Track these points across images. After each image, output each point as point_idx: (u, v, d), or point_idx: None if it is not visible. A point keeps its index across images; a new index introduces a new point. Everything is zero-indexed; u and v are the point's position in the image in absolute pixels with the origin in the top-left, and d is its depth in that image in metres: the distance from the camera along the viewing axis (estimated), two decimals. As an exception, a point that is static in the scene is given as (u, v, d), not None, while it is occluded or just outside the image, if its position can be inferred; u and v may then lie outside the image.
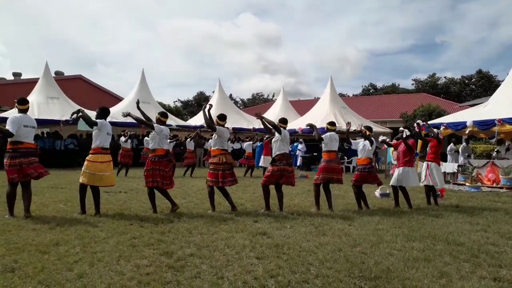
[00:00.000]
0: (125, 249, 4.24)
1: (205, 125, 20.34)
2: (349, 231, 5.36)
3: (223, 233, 5.10)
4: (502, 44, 79.51)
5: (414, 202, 7.93)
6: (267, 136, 13.71)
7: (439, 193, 8.60)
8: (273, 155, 6.88)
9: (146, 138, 12.99)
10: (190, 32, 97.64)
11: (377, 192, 9.15)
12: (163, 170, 6.34)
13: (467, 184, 11.52)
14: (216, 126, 6.70)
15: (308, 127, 7.61)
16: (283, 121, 7.07)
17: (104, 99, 28.75)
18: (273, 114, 23.71)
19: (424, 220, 6.28)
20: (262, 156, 14.19)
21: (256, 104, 52.14)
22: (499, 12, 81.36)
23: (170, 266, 3.72)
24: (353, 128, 7.93)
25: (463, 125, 12.75)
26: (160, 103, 29.74)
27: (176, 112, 36.99)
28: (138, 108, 6.78)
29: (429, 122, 14.52)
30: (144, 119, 6.60)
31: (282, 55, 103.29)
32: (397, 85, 52.78)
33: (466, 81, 47.75)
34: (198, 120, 23.00)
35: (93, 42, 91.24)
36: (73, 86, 28.49)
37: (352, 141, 7.63)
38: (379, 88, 53.39)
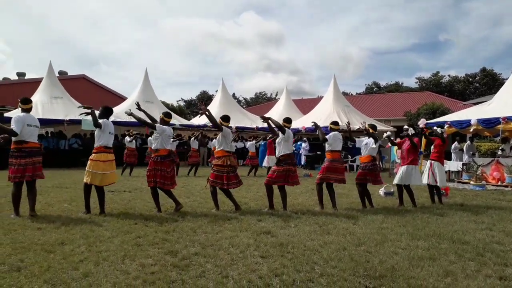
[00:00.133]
0: (130, 248, 4.25)
1: (208, 125, 20.39)
2: (353, 230, 5.36)
3: (227, 232, 5.11)
4: (506, 42, 79.07)
5: (419, 200, 7.91)
6: (270, 135, 13.71)
7: (443, 191, 8.57)
8: (278, 155, 6.87)
9: (149, 138, 13.03)
10: (192, 31, 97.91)
11: (381, 191, 9.13)
12: (164, 171, 6.36)
13: (471, 182, 11.46)
14: (222, 127, 6.71)
15: (313, 125, 7.58)
16: (288, 120, 7.05)
17: (107, 99, 28.83)
18: (276, 113, 23.71)
19: (429, 218, 6.26)
20: (266, 156, 14.19)
21: (259, 103, 52.11)
22: (502, 10, 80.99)
23: (175, 265, 3.73)
24: (356, 126, 7.91)
25: (467, 123, 12.70)
26: (164, 103, 29.78)
27: (180, 112, 37.05)
28: (140, 109, 6.75)
29: (433, 121, 14.50)
30: (146, 120, 6.58)
31: (284, 54, 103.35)
32: (400, 83, 52.65)
33: (470, 79, 47.55)
34: (201, 119, 23.00)
35: (96, 41, 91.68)
36: (77, 85, 28.61)
37: (356, 139, 7.62)
38: (382, 86, 53.25)
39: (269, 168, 11.58)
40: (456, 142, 16.01)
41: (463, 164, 13.20)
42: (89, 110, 6.17)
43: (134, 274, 3.47)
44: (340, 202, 7.28)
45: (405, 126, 8.18)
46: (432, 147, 8.30)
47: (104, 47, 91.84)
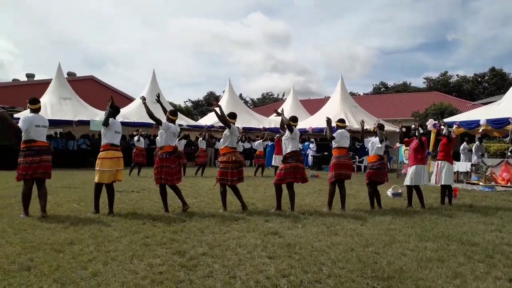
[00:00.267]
0: (138, 248, 4.28)
1: (215, 125, 20.42)
2: (361, 231, 5.34)
3: (234, 232, 5.12)
4: (515, 42, 78.17)
5: (427, 201, 7.85)
6: (278, 135, 13.71)
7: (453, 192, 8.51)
8: (284, 153, 6.89)
9: (157, 138, 13.08)
10: (199, 31, 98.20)
11: (389, 192, 9.09)
12: (169, 167, 6.41)
13: (480, 183, 11.36)
14: (233, 127, 6.76)
15: (327, 120, 7.52)
16: (294, 119, 7.07)
17: (115, 99, 28.83)
18: (284, 112, 23.67)
19: (437, 220, 6.22)
20: (274, 156, 14.18)
21: (266, 103, 52.13)
22: (511, 9, 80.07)
23: (183, 265, 3.74)
24: (367, 126, 7.88)
25: (476, 123, 12.57)
26: (171, 103, 29.93)
27: (187, 112, 37.17)
28: (158, 101, 6.81)
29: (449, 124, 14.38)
30: (153, 114, 6.55)
31: (291, 54, 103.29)
32: (408, 83, 52.36)
33: (479, 79, 47.13)
34: (208, 119, 23.06)
35: (103, 42, 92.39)
36: (85, 86, 28.84)
37: (364, 139, 7.61)
38: (390, 86, 53.00)
39: (277, 167, 11.56)
40: (465, 143, 15.87)
41: (472, 165, 13.09)
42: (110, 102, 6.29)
43: (142, 274, 3.49)
44: (348, 203, 7.26)
45: (413, 126, 8.13)
46: (438, 147, 8.26)
47: (112, 48, 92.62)
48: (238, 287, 3.26)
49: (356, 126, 17.57)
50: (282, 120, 7.02)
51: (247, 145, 20.70)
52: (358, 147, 18.37)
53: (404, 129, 8.28)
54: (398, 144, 14.86)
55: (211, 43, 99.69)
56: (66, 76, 22.59)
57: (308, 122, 20.48)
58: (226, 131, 6.77)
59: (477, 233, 5.32)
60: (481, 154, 14.77)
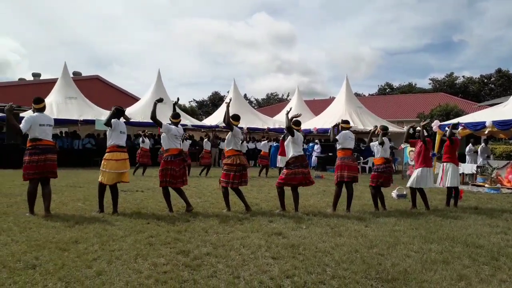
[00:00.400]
0: (143, 248, 4.29)
1: (220, 125, 20.41)
2: (365, 232, 5.32)
3: (238, 232, 5.12)
4: (522, 43, 77.67)
5: (432, 203, 7.82)
6: (282, 136, 13.70)
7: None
8: (287, 158, 6.89)
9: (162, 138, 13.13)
10: (204, 31, 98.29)
11: (394, 193, 9.05)
12: (173, 170, 6.41)
13: (486, 185, 11.29)
14: (236, 129, 6.76)
15: (338, 123, 7.53)
16: (296, 123, 7.05)
17: (120, 99, 29.16)
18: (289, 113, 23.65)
19: (442, 221, 6.19)
20: (279, 156, 14.17)
21: (271, 104, 52.12)
22: (519, 10, 79.48)
23: (187, 265, 3.75)
24: (368, 128, 7.86)
25: (482, 125, 12.50)
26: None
27: (192, 112, 37.22)
28: (177, 103, 7.13)
29: (447, 122, 14.31)
30: (156, 116, 6.56)
31: (296, 54, 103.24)
32: (414, 84, 52.14)
33: (485, 80, 46.86)
34: (213, 120, 23.09)
35: (109, 42, 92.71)
36: (91, 86, 28.99)
37: (371, 144, 7.57)
38: (395, 87, 52.84)
39: (281, 168, 11.55)
40: (470, 144, 15.79)
41: (477, 167, 13.02)
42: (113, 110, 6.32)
43: (146, 273, 3.50)
44: (352, 204, 7.23)
45: (418, 128, 8.09)
46: (443, 149, 8.22)
47: (117, 47, 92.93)
48: (242, 287, 3.26)
49: (361, 127, 17.54)
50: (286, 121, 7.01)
51: (251, 145, 20.70)
52: (363, 148, 18.33)
53: (412, 130, 8.24)
54: (403, 146, 14.81)
55: (216, 44, 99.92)
56: (71, 75, 22.70)
57: (312, 123, 20.45)
58: (229, 134, 6.78)
59: (482, 235, 5.29)
60: (486, 156, 14.68)
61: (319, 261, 3.97)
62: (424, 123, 7.80)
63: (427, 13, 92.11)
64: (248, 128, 20.92)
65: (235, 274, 3.53)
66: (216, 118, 23.01)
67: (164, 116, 7.41)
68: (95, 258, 3.89)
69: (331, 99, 29.53)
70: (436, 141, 12.55)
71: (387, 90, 52.89)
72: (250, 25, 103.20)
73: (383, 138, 7.33)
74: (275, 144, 17.48)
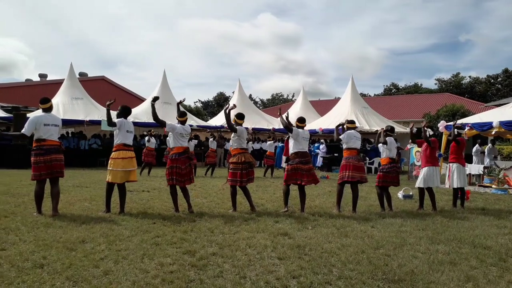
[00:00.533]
0: (149, 247, 4.31)
1: (225, 126, 20.45)
2: (371, 233, 5.31)
3: (244, 233, 5.12)
4: (530, 43, 77.04)
5: (439, 204, 7.78)
6: (288, 136, 13.69)
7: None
8: (289, 154, 6.91)
9: (168, 138, 13.18)
10: (209, 32, 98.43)
11: (400, 194, 9.02)
12: (179, 168, 6.43)
13: (493, 186, 11.21)
14: (237, 128, 6.76)
15: (342, 123, 7.51)
16: (300, 120, 7.06)
17: (126, 100, 29.18)
18: (293, 114, 23.39)
19: (449, 222, 6.16)
20: (284, 157, 14.17)
21: (276, 104, 52.09)
22: (527, 9, 78.84)
23: (193, 264, 3.76)
24: (374, 128, 7.82)
25: (489, 125, 12.40)
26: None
27: (197, 113, 37.31)
28: (181, 103, 7.08)
29: (453, 123, 14.23)
30: (158, 116, 6.62)
31: (301, 55, 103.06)
32: (419, 84, 51.87)
33: (492, 81, 46.51)
34: (218, 120, 23.13)
35: (115, 43, 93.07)
36: (97, 87, 29.13)
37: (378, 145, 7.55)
38: (401, 88, 52.59)
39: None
40: (477, 145, 15.69)
41: (484, 167, 12.93)
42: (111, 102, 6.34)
43: (153, 273, 3.52)
44: (358, 205, 7.21)
45: (424, 128, 8.06)
46: (449, 149, 8.19)
47: (123, 48, 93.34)
48: (248, 287, 3.27)
49: (366, 127, 17.48)
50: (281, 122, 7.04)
51: (256, 146, 20.71)
52: (369, 148, 18.28)
53: (415, 129, 8.21)
54: (409, 146, 14.75)
55: (221, 44, 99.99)
56: (78, 76, 22.83)
57: (318, 123, 20.41)
58: (233, 135, 6.81)
59: (489, 236, 5.26)
60: (493, 156, 14.60)
61: (325, 261, 3.97)
62: (424, 124, 7.76)
63: (433, 13, 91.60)
64: (253, 129, 20.95)
65: (241, 274, 3.54)
66: (221, 119, 23.04)
67: (171, 117, 7.44)
68: (102, 257, 3.91)
69: (337, 100, 29.46)
70: (443, 141, 12.48)
71: (392, 90, 52.66)
72: (255, 26, 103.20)
73: (386, 138, 7.30)
74: (280, 144, 17.47)
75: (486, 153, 14.85)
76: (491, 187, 11.29)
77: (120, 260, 3.84)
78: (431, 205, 7.36)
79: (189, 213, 6.42)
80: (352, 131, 7.13)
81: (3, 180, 10.45)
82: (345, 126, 7.30)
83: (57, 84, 21.38)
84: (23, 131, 5.87)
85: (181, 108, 7.08)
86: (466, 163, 8.42)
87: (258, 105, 51.44)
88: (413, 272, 3.68)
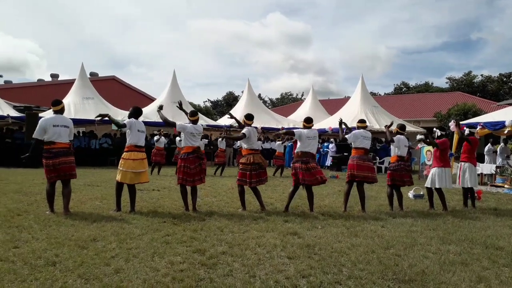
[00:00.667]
0: (159, 246, 4.34)
1: (234, 125, 20.41)
2: (381, 232, 5.28)
3: (254, 232, 5.13)
4: (544, 40, 75.75)
5: (449, 204, 7.70)
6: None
7: (476, 195, 8.31)
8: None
9: (177, 137, 13.27)
10: (219, 32, 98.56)
11: (411, 193, 8.95)
12: (188, 167, 6.45)
13: (506, 186, 11.07)
14: (244, 131, 6.70)
15: (339, 122, 7.51)
16: (307, 120, 7.03)
17: (137, 100, 29.50)
18: (303, 112, 23.56)
19: (460, 222, 6.10)
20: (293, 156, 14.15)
21: (285, 103, 52.00)
22: (541, 7, 77.54)
23: (203, 263, 3.78)
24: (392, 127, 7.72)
25: (501, 124, 12.24)
26: (191, 103, 30.20)
27: (206, 112, 37.44)
28: (181, 109, 7.01)
29: (465, 122, 14.08)
30: (168, 119, 6.69)
31: (311, 54, 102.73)
32: (430, 83, 51.37)
33: (504, 79, 45.80)
34: (227, 120, 23.15)
35: (125, 43, 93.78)
36: (107, 86, 29.38)
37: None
38: (412, 86, 52.10)
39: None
40: (489, 144, 15.50)
41: (496, 167, 12.77)
42: (106, 117, 6.32)
43: (163, 271, 3.54)
44: (368, 204, 7.18)
45: (434, 129, 7.99)
46: (461, 148, 8.10)
47: (134, 48, 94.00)
48: (257, 287, 3.27)
49: (376, 126, 17.37)
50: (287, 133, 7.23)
51: (266, 145, 20.69)
52: (379, 147, 18.16)
53: (422, 137, 8.16)
54: (419, 145, 14.62)
55: (230, 44, 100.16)
56: (88, 76, 23.04)
57: (327, 122, 20.32)
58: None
59: (502, 236, 5.20)
60: (506, 156, 14.40)
61: (335, 261, 3.96)
62: (390, 126, 7.64)
63: (444, 11, 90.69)
64: (262, 128, 20.91)
65: (251, 273, 3.54)
66: (230, 118, 23.04)
67: (180, 116, 7.48)
68: (113, 256, 3.95)
69: (346, 99, 29.31)
70: (454, 140, 12.35)
71: (403, 89, 52.20)
72: (265, 25, 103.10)
73: (396, 136, 7.26)
74: (289, 144, 17.44)
75: (498, 152, 14.66)
76: (503, 187, 11.14)
77: (130, 259, 3.87)
78: (442, 205, 7.29)
79: (196, 211, 6.44)
80: (361, 130, 7.08)
81: (16, 179, 10.60)
82: (356, 125, 7.27)
83: (69, 84, 21.61)
84: (34, 136, 5.96)
85: (185, 110, 7.12)
86: (478, 163, 8.33)
87: (267, 105, 51.40)
88: (424, 273, 3.65)
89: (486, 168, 13.18)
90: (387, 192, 7.31)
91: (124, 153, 6.32)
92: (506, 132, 12.67)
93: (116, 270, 3.52)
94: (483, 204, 8.25)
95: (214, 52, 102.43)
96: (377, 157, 17.35)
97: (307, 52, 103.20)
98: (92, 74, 31.68)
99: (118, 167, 6.30)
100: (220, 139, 15.09)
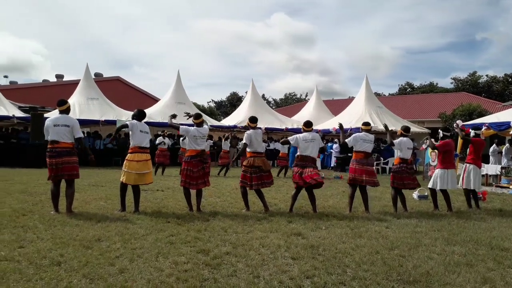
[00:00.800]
0: (163, 246, 4.35)
1: (238, 126, 20.45)
2: (386, 233, 5.26)
3: (257, 232, 5.13)
4: (549, 40, 75.25)
5: (454, 205, 7.67)
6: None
7: (480, 196, 8.27)
8: None
9: (182, 139, 13.29)
10: (223, 32, 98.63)
11: (415, 194, 8.91)
12: (190, 170, 6.46)
13: (511, 187, 11.01)
14: (244, 140, 6.77)
15: (339, 127, 7.52)
16: (306, 124, 6.98)
17: (141, 100, 29.61)
18: (307, 113, 23.60)
19: (465, 223, 6.07)
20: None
21: (289, 104, 51.97)
22: (547, 6, 77.04)
23: (207, 263, 3.79)
24: (392, 127, 7.73)
25: (506, 125, 12.18)
26: (195, 104, 30.24)
27: (210, 113, 37.48)
28: (189, 116, 7.17)
29: (470, 122, 14.02)
30: (172, 123, 6.73)
31: (314, 54, 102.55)
32: (435, 84, 51.15)
33: (510, 79, 45.48)
34: (231, 120, 23.19)
35: (129, 43, 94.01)
36: (112, 87, 29.50)
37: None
38: (416, 87, 51.88)
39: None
40: (494, 145, 15.42)
41: (502, 168, 12.70)
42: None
43: (167, 271, 3.55)
44: (373, 205, 7.17)
45: (439, 130, 7.95)
46: (467, 149, 8.06)
47: (138, 49, 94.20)
48: (261, 287, 3.27)
49: (381, 127, 17.34)
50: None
51: (273, 145, 20.69)
52: (383, 148, 18.11)
53: (427, 143, 8.14)
54: (424, 146, 14.56)
55: (234, 44, 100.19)
56: (93, 77, 23.14)
57: (331, 123, 20.30)
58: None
59: (507, 238, 5.17)
60: (511, 156, 14.30)
61: (339, 262, 3.95)
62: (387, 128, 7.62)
63: (449, 11, 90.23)
64: (266, 129, 20.92)
65: (255, 274, 3.54)
66: (234, 119, 23.09)
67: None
68: (118, 256, 3.96)
69: (351, 99, 29.27)
70: (459, 141, 12.30)
71: (407, 90, 51.99)
72: (269, 26, 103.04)
73: (399, 138, 7.24)
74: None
75: (503, 153, 14.58)
76: (508, 187, 11.08)
77: (135, 259, 3.88)
78: (446, 206, 7.25)
79: (200, 212, 6.46)
80: (361, 133, 7.03)
81: (21, 179, 10.66)
82: (361, 128, 7.26)
83: (73, 84, 21.74)
84: (45, 138, 6.07)
85: (190, 113, 7.16)
86: (483, 163, 8.29)
87: (271, 105, 51.40)
88: (428, 273, 3.64)
89: (491, 169, 13.12)
90: (391, 193, 7.28)
91: (128, 154, 6.35)
92: (511, 132, 12.61)
93: (120, 270, 3.53)
94: (488, 205, 8.21)
95: (218, 52, 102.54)
96: (381, 158, 17.31)
97: (311, 52, 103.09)
98: (96, 74, 31.82)
99: (123, 168, 6.33)
100: (223, 140, 15.10)
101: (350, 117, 18.81)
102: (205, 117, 6.97)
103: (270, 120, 22.73)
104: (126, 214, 6.10)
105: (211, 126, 21.01)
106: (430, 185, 7.49)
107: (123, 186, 6.34)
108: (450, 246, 4.66)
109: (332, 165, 19.21)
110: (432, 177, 7.48)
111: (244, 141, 6.81)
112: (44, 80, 34.50)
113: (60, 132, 5.96)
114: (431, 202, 7.73)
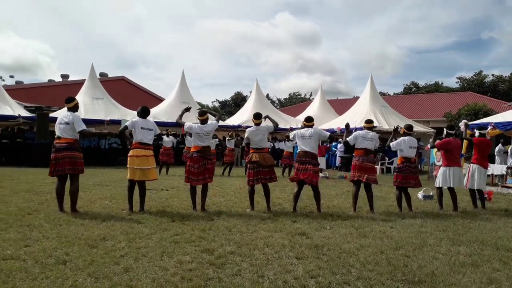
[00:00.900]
0: (168, 245, 4.36)
1: (242, 125, 20.44)
2: (391, 233, 5.25)
3: (262, 232, 5.13)
4: (556, 39, 74.57)
5: (460, 205, 7.62)
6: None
7: (486, 196, 8.22)
8: None
9: (186, 136, 13.33)
10: (228, 32, 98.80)
11: (420, 194, 8.88)
12: (192, 166, 6.52)
13: (517, 187, 10.93)
14: (245, 138, 6.89)
15: (345, 126, 7.54)
16: (307, 119, 7.06)
17: (146, 100, 29.66)
18: (312, 112, 23.48)
19: (471, 223, 6.04)
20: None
21: (293, 103, 51.90)
22: (553, 5, 76.39)
23: (212, 263, 3.79)
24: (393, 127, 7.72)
25: (512, 125, 12.11)
26: (199, 103, 30.27)
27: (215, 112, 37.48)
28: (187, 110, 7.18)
29: (476, 122, 13.94)
30: (178, 119, 6.90)
31: (319, 54, 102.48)
32: (440, 83, 50.88)
33: (516, 79, 45.20)
34: (235, 120, 23.19)
35: (134, 43, 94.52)
36: (117, 87, 29.62)
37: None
38: (421, 86, 51.65)
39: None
40: (500, 145, 15.31)
41: (507, 168, 12.61)
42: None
43: (172, 270, 3.56)
44: (377, 205, 7.14)
45: (444, 128, 7.91)
46: (472, 149, 8.02)
47: (143, 49, 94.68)
48: (266, 287, 3.27)
49: (386, 126, 17.28)
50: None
51: (280, 145, 20.66)
52: (387, 148, 18.02)
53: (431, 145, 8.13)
54: (429, 145, 14.49)
55: (239, 44, 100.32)
56: (98, 76, 23.23)
57: (336, 122, 20.25)
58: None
59: (513, 238, 5.13)
60: (517, 156, 14.19)
61: (343, 262, 3.94)
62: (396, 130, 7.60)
63: (455, 11, 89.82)
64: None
65: (259, 273, 3.54)
66: (238, 118, 23.10)
67: (188, 116, 7.53)
68: (123, 255, 3.98)
69: (355, 99, 29.20)
70: (464, 141, 12.23)
71: (412, 89, 51.77)
72: (274, 25, 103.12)
73: (402, 137, 7.22)
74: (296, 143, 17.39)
75: (509, 153, 14.46)
76: (514, 188, 11.01)
77: (140, 258, 3.90)
78: (453, 206, 7.22)
79: (205, 211, 6.47)
80: (362, 131, 7.05)
81: (27, 178, 10.74)
82: (363, 125, 7.26)
83: (79, 84, 21.83)
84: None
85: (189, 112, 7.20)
86: (489, 163, 8.24)
87: (275, 105, 51.34)
88: (433, 274, 3.63)
89: (497, 168, 13.03)
90: (395, 193, 7.26)
91: (130, 150, 6.41)
92: (517, 132, 12.52)
93: (125, 269, 3.55)
94: (494, 205, 8.16)
95: (223, 52, 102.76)
96: (386, 158, 17.25)
97: (316, 52, 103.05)
98: (101, 74, 31.96)
99: (127, 165, 6.40)
100: (228, 139, 15.13)
101: (355, 117, 18.75)
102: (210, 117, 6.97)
103: (275, 119, 22.71)
104: (130, 213, 6.11)
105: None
106: (435, 184, 7.48)
107: (131, 184, 6.38)
108: (455, 247, 4.64)
109: (336, 164, 19.16)
110: (438, 176, 7.46)
111: (245, 140, 6.94)
112: (49, 80, 34.71)
113: (62, 129, 6.11)
114: (436, 202, 7.70)
